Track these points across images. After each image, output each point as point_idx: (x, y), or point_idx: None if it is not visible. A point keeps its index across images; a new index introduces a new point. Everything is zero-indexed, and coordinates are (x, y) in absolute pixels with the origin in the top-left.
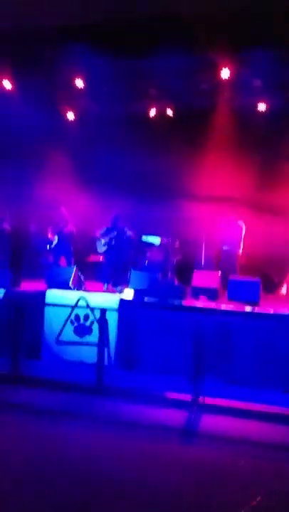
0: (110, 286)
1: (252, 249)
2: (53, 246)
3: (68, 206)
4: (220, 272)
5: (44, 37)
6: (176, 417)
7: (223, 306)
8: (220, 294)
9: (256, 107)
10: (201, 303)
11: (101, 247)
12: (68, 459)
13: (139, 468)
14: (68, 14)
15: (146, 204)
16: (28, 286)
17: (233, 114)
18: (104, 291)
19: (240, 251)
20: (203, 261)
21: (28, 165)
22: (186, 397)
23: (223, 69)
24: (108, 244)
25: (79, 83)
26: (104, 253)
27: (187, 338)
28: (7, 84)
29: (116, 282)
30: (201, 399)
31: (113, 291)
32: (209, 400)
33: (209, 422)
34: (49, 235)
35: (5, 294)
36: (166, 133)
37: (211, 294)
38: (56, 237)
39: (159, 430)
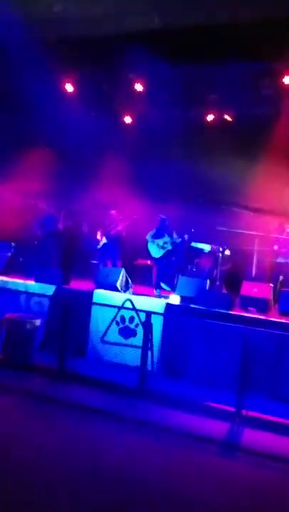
0: (162, 292)
1: None
2: (99, 247)
3: (121, 210)
4: (272, 284)
5: (106, 43)
6: (217, 428)
7: (274, 319)
8: (270, 307)
9: None
10: (251, 314)
11: (156, 251)
12: (106, 459)
13: (176, 476)
14: (131, 20)
15: (199, 210)
16: (76, 284)
17: None
18: (155, 296)
19: None
20: (254, 272)
21: (84, 167)
22: (230, 408)
23: (286, 76)
24: (164, 248)
25: (139, 88)
26: (158, 258)
27: (234, 349)
28: (69, 88)
29: (161, 286)
30: (244, 412)
31: (164, 296)
32: (253, 415)
33: (252, 437)
34: (98, 236)
35: (55, 291)
36: (225, 140)
37: (261, 306)
38: (104, 239)
39: (199, 440)
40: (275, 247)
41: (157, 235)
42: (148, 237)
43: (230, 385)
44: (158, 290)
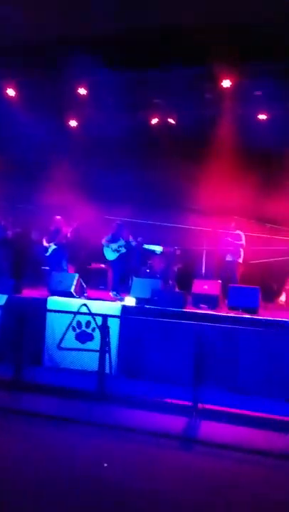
0: (119, 294)
1: (251, 259)
2: (48, 254)
3: (70, 215)
4: (220, 280)
5: (49, 46)
6: (176, 423)
7: (224, 314)
8: (220, 303)
9: (257, 117)
10: (202, 311)
11: (111, 254)
12: (70, 465)
13: (139, 474)
14: (73, 25)
15: (148, 213)
16: (29, 293)
17: (235, 125)
18: (112, 299)
19: (241, 260)
20: (204, 270)
21: (31, 173)
22: (187, 404)
23: (224, 80)
24: (118, 251)
25: (82, 92)
26: (113, 261)
27: (188, 345)
28: (11, 92)
29: (118, 290)
30: (200, 405)
31: (120, 299)
32: (209, 407)
33: (209, 429)
34: (44, 243)
35: (7, 300)
36: (170, 143)
37: (212, 302)
38: (52, 245)
39: (159, 436)
40: (228, 258)
41: (113, 240)
42: (104, 241)
43: (187, 381)
44: (114, 292)
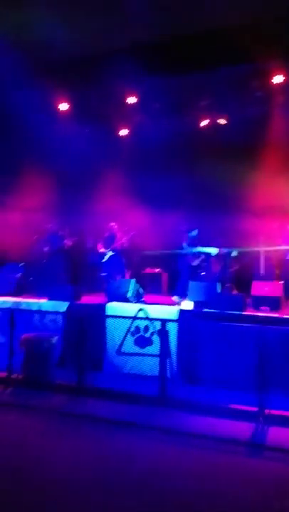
0: (183, 298)
1: None
2: (104, 260)
3: (121, 221)
4: (283, 281)
5: (95, 59)
6: (242, 429)
7: (288, 316)
8: (283, 304)
9: None
10: (264, 313)
11: (193, 260)
12: (133, 470)
13: (206, 481)
14: (117, 34)
15: (202, 216)
16: (88, 299)
17: (288, 121)
18: (173, 303)
19: None
20: (262, 271)
21: (85, 182)
22: (252, 409)
23: (276, 76)
24: (199, 257)
25: (132, 101)
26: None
27: (250, 349)
28: (63, 107)
29: (184, 294)
30: (267, 411)
31: (181, 303)
32: (276, 413)
33: (278, 435)
34: (100, 250)
35: (68, 307)
36: (220, 145)
37: (273, 304)
38: (109, 252)
39: (225, 442)
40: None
41: (192, 244)
42: (184, 245)
43: (250, 386)
44: (177, 297)
